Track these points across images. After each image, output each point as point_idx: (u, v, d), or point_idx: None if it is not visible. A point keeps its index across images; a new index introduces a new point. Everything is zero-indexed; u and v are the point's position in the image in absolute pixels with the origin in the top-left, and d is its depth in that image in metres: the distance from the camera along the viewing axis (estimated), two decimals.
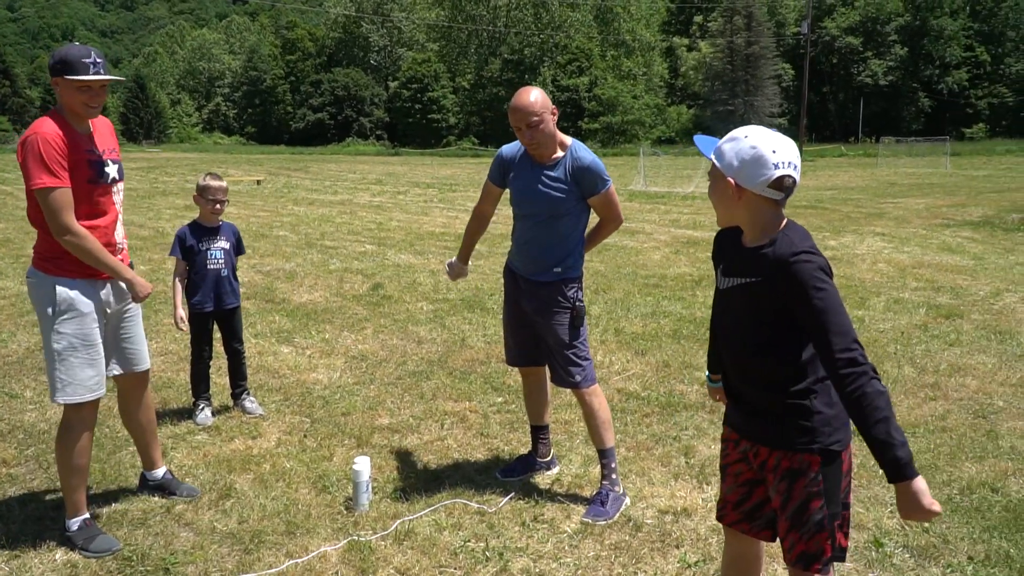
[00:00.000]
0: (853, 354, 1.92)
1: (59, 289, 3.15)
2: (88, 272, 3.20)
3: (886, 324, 6.91)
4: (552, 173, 3.53)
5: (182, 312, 4.56)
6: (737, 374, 2.25)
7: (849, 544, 2.17)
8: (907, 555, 3.16)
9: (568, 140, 3.60)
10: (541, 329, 3.65)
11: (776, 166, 2.04)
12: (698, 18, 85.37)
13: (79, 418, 3.26)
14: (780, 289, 2.03)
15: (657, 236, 13.07)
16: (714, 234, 2.35)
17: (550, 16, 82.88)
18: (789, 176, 2.05)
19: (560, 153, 3.55)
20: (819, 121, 78.70)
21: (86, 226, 3.17)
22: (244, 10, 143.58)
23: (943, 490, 3.72)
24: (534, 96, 3.47)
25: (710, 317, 2.46)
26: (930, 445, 4.26)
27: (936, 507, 1.89)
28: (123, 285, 3.36)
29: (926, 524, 3.39)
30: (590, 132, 71.46)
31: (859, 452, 4.14)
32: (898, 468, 1.88)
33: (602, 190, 3.57)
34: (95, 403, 3.30)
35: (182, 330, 4.58)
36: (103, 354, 3.28)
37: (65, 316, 3.16)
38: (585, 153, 3.56)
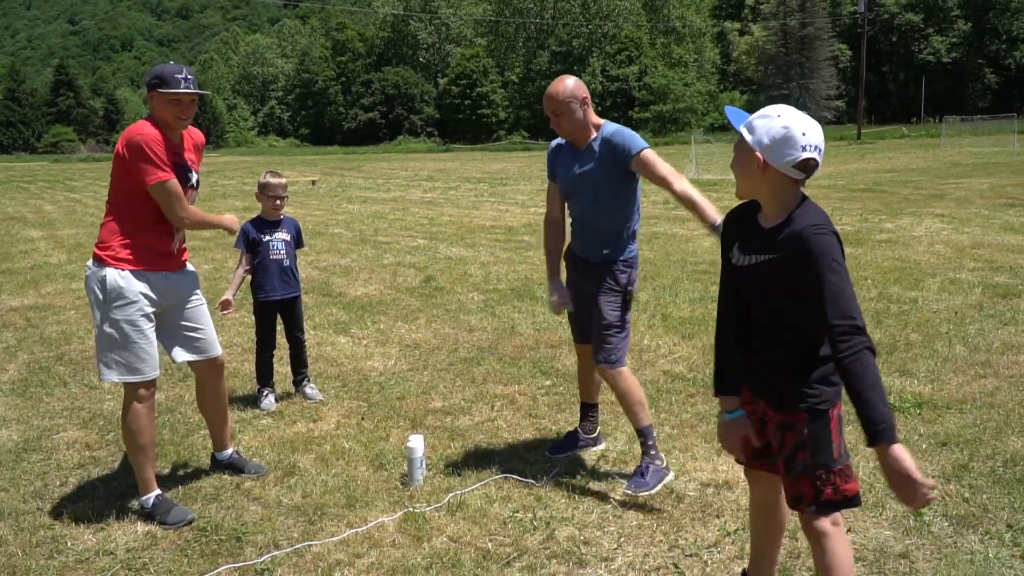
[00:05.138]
0: (855, 321, 2.05)
1: (110, 278, 3.42)
2: (138, 263, 3.47)
3: (940, 304, 6.86)
4: (587, 157, 3.66)
5: (230, 296, 4.76)
6: (748, 338, 2.42)
7: (857, 490, 2.31)
8: (945, 524, 3.23)
9: (601, 122, 3.70)
10: (592, 307, 3.76)
11: (804, 148, 2.15)
12: (750, 1, 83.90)
13: (134, 398, 3.51)
14: (796, 262, 2.15)
15: None
16: None
17: (598, 6, 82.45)
18: (814, 159, 2.17)
19: (594, 135, 3.68)
20: (878, 102, 76.83)
21: (159, 225, 3.48)
22: (295, 14, 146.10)
23: (987, 463, 3.75)
24: (561, 87, 3.59)
25: (718, 309, 2.54)
26: (976, 420, 4.28)
27: (927, 482, 1.96)
28: (175, 277, 3.63)
29: (966, 495, 3.45)
30: (641, 121, 71.04)
31: (902, 428, 4.19)
32: (879, 432, 1.98)
33: (635, 154, 3.55)
34: (148, 386, 3.53)
35: (224, 313, 4.74)
36: (151, 340, 3.51)
37: (115, 303, 3.43)
38: (611, 127, 3.65)
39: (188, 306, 3.68)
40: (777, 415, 2.34)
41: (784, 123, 2.16)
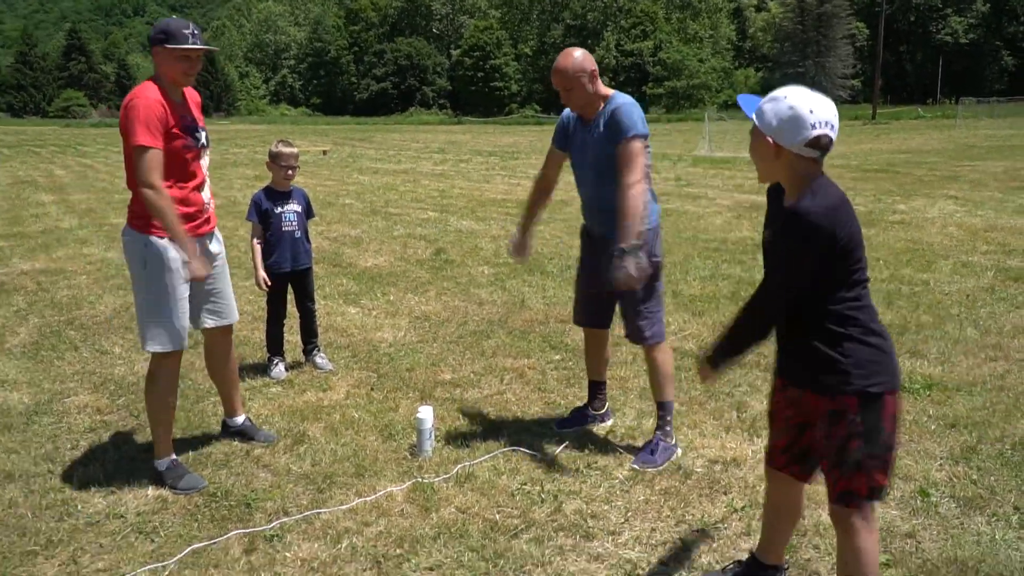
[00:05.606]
0: (765, 310, 2.30)
1: (150, 245, 3.39)
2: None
3: (952, 287, 6.83)
4: (593, 129, 3.61)
5: (263, 273, 4.82)
6: (784, 322, 2.36)
7: (889, 484, 2.26)
8: (953, 505, 3.23)
9: (609, 93, 3.62)
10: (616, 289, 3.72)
11: (813, 125, 2.14)
12: None
13: (164, 366, 3.53)
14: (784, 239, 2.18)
15: (720, 201, 12.99)
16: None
17: None
18: (826, 135, 2.15)
19: (601, 107, 3.61)
20: (895, 82, 75.96)
21: (178, 189, 3.42)
22: None
23: (995, 445, 3.75)
24: (570, 60, 3.51)
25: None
26: (986, 403, 4.27)
27: None
28: (208, 243, 3.62)
29: (974, 477, 3.45)
30: (655, 97, 70.51)
31: (911, 410, 4.19)
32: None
33: (622, 138, 3.46)
34: (179, 353, 3.56)
35: (264, 290, 4.85)
36: (186, 309, 3.52)
37: (155, 271, 3.40)
38: (620, 100, 3.55)
39: (214, 271, 3.67)
40: (826, 403, 2.25)
41: (790, 103, 2.16)
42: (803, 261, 2.14)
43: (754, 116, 2.25)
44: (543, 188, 3.99)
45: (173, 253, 3.41)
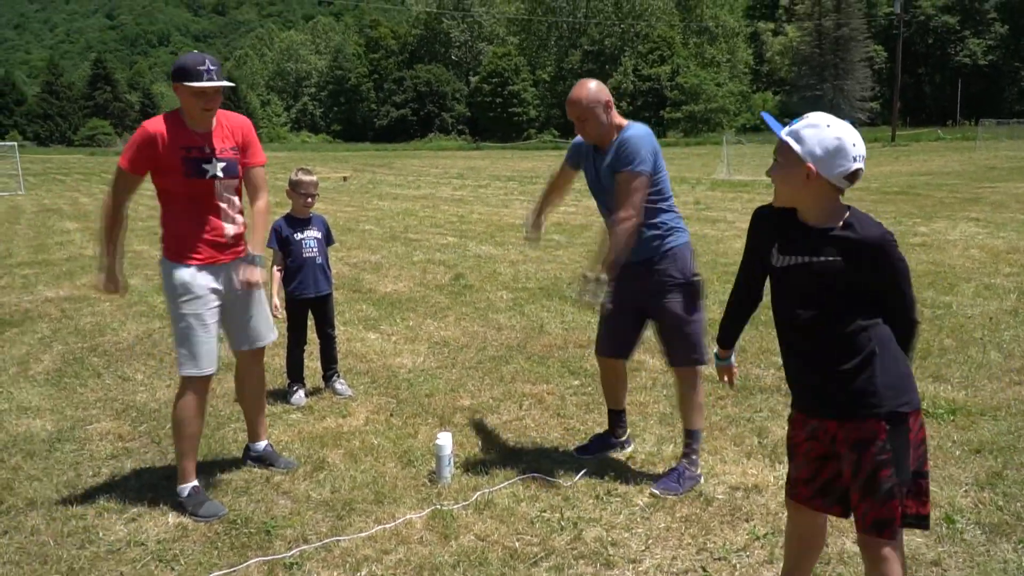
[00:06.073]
0: (917, 317, 2.33)
1: (176, 274, 3.50)
2: (203, 259, 3.54)
3: (974, 310, 6.75)
4: (604, 159, 3.63)
5: (277, 300, 4.86)
6: (801, 348, 2.33)
7: (929, 511, 2.25)
8: (978, 531, 3.18)
9: (624, 123, 3.62)
10: (654, 312, 3.69)
11: (855, 159, 2.15)
12: (784, 1, 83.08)
13: (193, 390, 3.59)
14: (868, 266, 2.18)
15: (738, 224, 12.95)
16: None
17: (631, 5, 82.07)
18: (861, 169, 2.18)
19: (615, 136, 3.62)
20: (913, 104, 75.67)
21: (204, 214, 3.53)
22: (329, 11, 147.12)
23: (1021, 471, 3.69)
24: (584, 92, 3.54)
25: (736, 290, 2.67)
26: (1011, 427, 4.21)
27: None
28: (231, 270, 3.65)
29: (1000, 503, 3.39)
30: (672, 122, 70.64)
31: (935, 435, 4.13)
32: None
33: (623, 169, 3.49)
34: (204, 380, 3.61)
35: (277, 317, 4.88)
36: (213, 335, 3.60)
37: (183, 298, 3.50)
38: (630, 132, 3.54)
39: (249, 294, 3.73)
40: (852, 431, 2.23)
41: (836, 134, 2.14)
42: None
43: (790, 138, 2.19)
44: (554, 190, 4.11)
45: (200, 281, 3.51)
